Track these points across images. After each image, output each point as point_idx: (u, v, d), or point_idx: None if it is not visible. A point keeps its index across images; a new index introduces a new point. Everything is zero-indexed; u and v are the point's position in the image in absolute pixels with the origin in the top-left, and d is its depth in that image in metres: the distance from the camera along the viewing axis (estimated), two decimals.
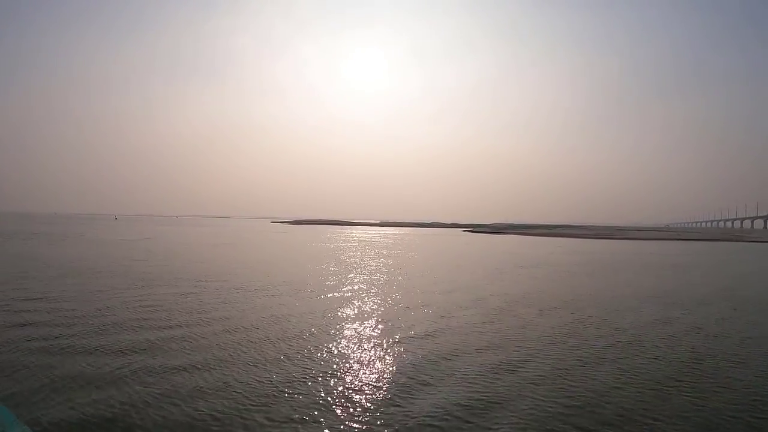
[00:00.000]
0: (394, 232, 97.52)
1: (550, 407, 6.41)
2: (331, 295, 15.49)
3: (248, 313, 12.25)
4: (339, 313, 12.47)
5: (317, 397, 6.66)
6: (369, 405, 6.43)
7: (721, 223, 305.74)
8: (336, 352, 8.88)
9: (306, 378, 7.39)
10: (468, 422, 5.95)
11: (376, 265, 25.56)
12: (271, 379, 7.29)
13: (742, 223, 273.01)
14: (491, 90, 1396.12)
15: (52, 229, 66.93)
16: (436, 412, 6.20)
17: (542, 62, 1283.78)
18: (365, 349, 9.12)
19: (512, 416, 6.12)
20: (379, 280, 19.39)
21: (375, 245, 46.43)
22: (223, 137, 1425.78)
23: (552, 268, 25.70)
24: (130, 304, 13.06)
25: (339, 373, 7.64)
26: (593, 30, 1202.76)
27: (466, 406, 6.41)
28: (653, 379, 7.57)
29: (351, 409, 6.28)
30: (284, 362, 8.18)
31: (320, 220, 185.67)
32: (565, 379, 7.54)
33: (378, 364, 8.23)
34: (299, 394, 6.76)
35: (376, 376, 7.58)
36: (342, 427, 5.80)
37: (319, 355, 8.66)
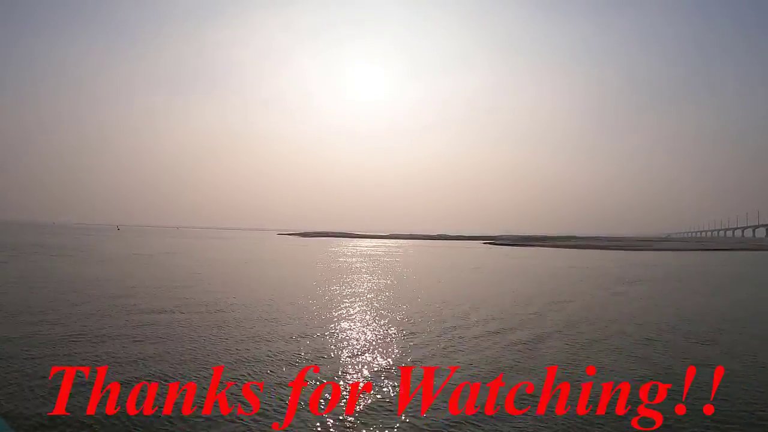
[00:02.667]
0: (413, 244, 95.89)
1: None
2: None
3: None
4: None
5: None
6: None
7: (722, 233, 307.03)
8: None
9: None
10: None
11: (484, 290, 23.71)
12: None
13: (743, 232, 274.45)
14: (488, 101, 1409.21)
15: (63, 241, 63.52)
16: None
17: (540, 73, 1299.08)
18: None
19: None
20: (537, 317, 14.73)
21: (418, 263, 45.50)
22: (225, 148, 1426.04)
23: (652, 284, 25.10)
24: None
25: None
26: (589, 41, 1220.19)
27: None
28: None
29: None
30: None
31: (327, 232, 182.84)
32: None
33: None
34: None
35: None
36: None
37: None
